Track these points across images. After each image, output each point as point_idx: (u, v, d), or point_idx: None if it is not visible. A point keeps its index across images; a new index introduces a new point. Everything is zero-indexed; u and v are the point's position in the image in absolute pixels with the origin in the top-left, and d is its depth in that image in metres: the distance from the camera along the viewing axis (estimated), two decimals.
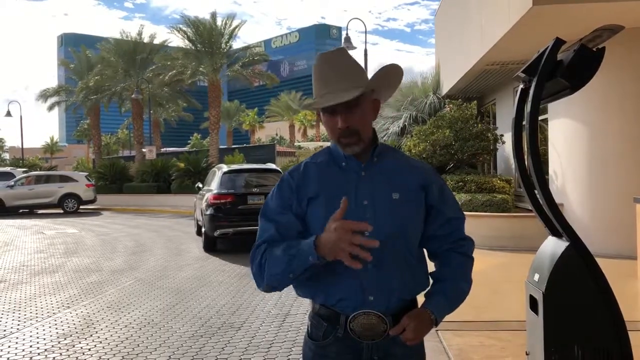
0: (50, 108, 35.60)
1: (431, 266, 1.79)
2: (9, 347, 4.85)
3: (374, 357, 1.64)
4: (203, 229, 10.78)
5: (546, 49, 2.39)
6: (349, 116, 1.60)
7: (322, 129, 68.10)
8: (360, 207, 1.62)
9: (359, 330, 1.60)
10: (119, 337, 5.08)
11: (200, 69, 27.20)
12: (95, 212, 21.99)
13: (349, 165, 1.69)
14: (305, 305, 6.05)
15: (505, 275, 7.25)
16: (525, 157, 2.58)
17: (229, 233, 10.14)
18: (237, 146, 36.00)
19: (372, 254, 1.58)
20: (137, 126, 31.21)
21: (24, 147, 40.85)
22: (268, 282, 1.60)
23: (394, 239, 1.63)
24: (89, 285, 7.53)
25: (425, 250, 1.80)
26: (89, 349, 4.73)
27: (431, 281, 1.76)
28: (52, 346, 4.84)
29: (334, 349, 1.64)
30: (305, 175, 1.70)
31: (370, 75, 1.69)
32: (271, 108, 67.14)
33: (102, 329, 5.34)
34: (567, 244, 2.42)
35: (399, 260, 1.64)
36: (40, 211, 22.17)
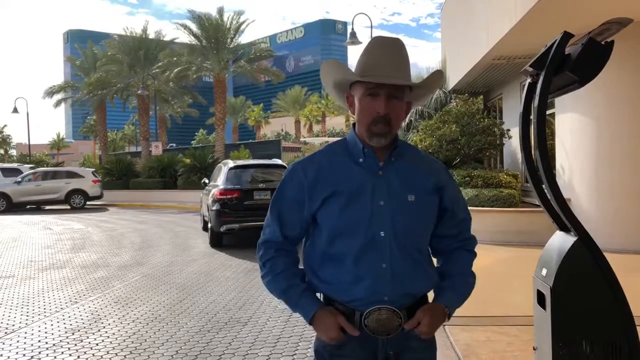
0: (57, 104, 35.75)
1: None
2: (18, 341, 4.89)
3: (389, 352, 1.64)
4: (209, 225, 10.81)
5: (554, 42, 2.37)
6: (391, 104, 1.61)
7: (328, 124, 68.13)
8: (376, 208, 1.62)
9: (373, 326, 1.60)
10: (126, 332, 5.11)
11: (206, 64, 27.21)
12: (102, 208, 22.08)
13: (367, 163, 1.67)
14: None
15: (512, 270, 7.23)
16: (533, 151, 2.56)
17: (235, 228, 10.15)
18: (242, 142, 36.08)
19: (386, 255, 1.61)
20: (143, 122, 31.28)
21: (31, 143, 41.02)
22: (266, 287, 1.76)
23: (407, 240, 1.64)
24: (96, 281, 7.57)
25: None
26: (97, 344, 4.76)
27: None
28: (61, 341, 4.87)
29: (349, 346, 1.64)
30: (319, 173, 1.67)
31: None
32: (278, 102, 67.11)
33: (109, 324, 5.38)
34: (575, 238, 2.41)
35: (411, 260, 1.65)
36: (47, 207, 22.29)
